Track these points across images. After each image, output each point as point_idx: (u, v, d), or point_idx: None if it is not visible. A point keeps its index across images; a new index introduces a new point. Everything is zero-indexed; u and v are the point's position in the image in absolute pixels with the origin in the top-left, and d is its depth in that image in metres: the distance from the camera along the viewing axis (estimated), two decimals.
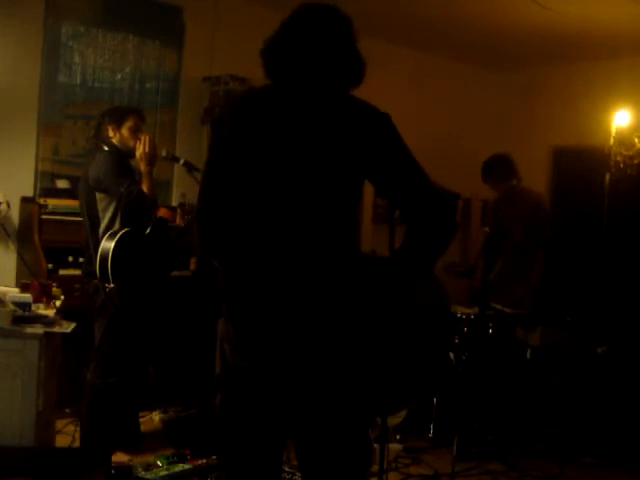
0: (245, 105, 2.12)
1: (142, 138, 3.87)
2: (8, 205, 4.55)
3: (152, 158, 3.87)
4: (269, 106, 2.06)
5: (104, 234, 3.72)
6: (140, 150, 3.85)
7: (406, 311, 2.11)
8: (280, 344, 2.00)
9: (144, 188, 3.80)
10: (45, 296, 3.51)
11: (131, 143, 3.89)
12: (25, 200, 4.68)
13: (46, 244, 4.47)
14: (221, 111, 2.19)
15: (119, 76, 5.24)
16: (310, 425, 2.06)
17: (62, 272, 4.47)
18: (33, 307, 3.29)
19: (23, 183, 4.75)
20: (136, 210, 3.75)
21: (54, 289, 3.67)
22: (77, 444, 3.83)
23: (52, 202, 4.59)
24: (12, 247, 4.55)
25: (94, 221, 3.81)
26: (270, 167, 2.01)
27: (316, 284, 1.97)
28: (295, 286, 1.97)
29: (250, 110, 2.08)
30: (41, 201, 4.59)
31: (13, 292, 3.42)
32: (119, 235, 3.66)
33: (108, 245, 3.63)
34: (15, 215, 4.66)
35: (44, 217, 4.52)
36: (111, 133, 3.91)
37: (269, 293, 1.99)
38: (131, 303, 3.79)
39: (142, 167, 3.86)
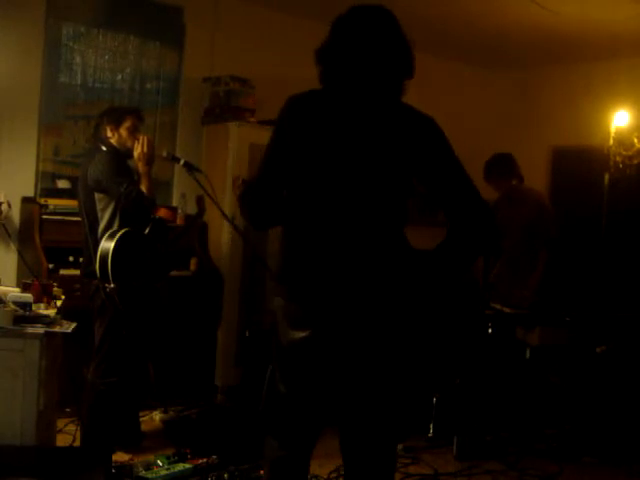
0: (307, 108, 2.28)
1: (140, 138, 3.87)
2: (9, 205, 4.55)
3: (150, 158, 3.87)
4: (329, 109, 2.24)
5: (103, 234, 3.72)
6: (138, 150, 3.85)
7: (448, 299, 2.30)
8: (339, 318, 2.21)
9: (143, 188, 3.80)
10: (46, 296, 3.51)
11: (129, 143, 3.89)
12: (26, 200, 4.69)
13: (47, 244, 4.48)
14: (282, 111, 2.30)
15: (119, 76, 5.25)
16: (359, 400, 2.25)
17: (63, 272, 4.48)
18: (34, 307, 3.29)
19: (24, 183, 4.76)
20: (135, 210, 3.76)
21: (55, 289, 3.67)
22: (78, 443, 3.84)
23: (53, 202, 4.60)
24: (13, 247, 4.56)
25: (93, 221, 3.81)
26: (332, 166, 2.22)
27: (371, 265, 2.20)
28: (354, 268, 2.20)
29: (312, 113, 2.26)
30: (42, 201, 4.60)
31: (14, 292, 3.43)
32: (119, 235, 3.67)
33: (108, 245, 3.64)
34: (16, 215, 4.67)
35: (45, 217, 4.54)
36: (109, 133, 3.92)
37: (331, 274, 2.21)
38: (131, 303, 3.80)
39: (140, 167, 3.86)
